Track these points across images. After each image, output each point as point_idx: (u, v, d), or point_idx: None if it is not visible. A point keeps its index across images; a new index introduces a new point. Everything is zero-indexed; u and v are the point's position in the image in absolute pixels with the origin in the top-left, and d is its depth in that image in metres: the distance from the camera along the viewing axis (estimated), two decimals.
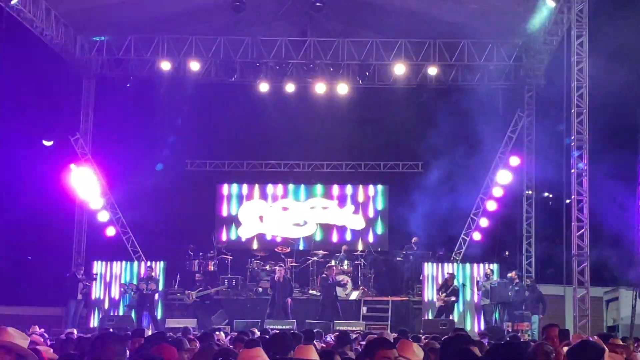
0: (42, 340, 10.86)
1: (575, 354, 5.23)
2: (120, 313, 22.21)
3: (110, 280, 22.96)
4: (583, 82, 18.58)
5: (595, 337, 7.58)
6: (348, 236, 25.33)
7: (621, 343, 8.51)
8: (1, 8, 19.17)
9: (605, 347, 7.05)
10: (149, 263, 22.71)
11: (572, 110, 18.64)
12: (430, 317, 21.32)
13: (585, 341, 6.07)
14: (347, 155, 25.73)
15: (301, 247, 24.99)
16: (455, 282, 21.72)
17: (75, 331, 15.02)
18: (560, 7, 19.81)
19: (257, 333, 13.62)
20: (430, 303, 21.92)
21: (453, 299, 21.36)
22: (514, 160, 23.37)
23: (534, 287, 21.13)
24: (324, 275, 21.61)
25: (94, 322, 22.15)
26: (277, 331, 13.01)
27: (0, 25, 18.94)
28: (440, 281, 21.93)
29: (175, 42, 23.49)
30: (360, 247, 24.70)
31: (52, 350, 7.78)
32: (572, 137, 18.56)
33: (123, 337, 5.51)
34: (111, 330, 15.56)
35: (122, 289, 22.46)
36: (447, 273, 21.86)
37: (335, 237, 25.36)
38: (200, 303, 21.93)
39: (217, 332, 13.21)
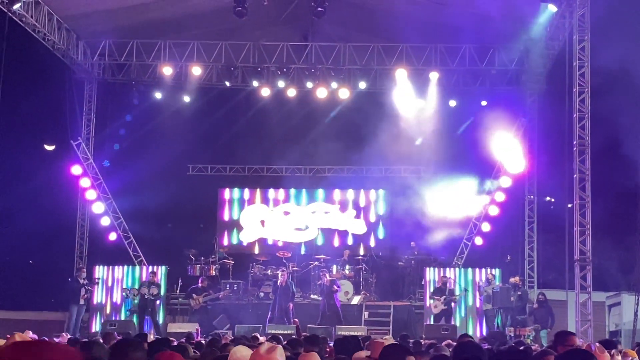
0: None
1: None
2: (122, 317, 22.19)
3: (112, 286, 22.94)
4: (584, 87, 18.56)
5: (597, 344, 7.54)
6: (349, 241, 25.26)
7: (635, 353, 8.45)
8: (3, 13, 19.23)
9: (608, 355, 7.03)
10: (151, 268, 22.66)
11: (574, 115, 18.62)
12: (431, 322, 21.30)
13: (575, 349, 6.02)
14: (349, 159, 25.67)
15: (302, 252, 24.94)
16: (457, 287, 21.79)
17: (67, 335, 14.97)
18: (562, 12, 19.81)
19: (260, 338, 13.60)
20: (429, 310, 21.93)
21: (453, 300, 21.38)
22: (516, 165, 23.31)
23: (543, 301, 21.03)
24: (324, 283, 21.61)
25: (96, 327, 22.11)
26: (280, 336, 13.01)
27: (3, 30, 18.99)
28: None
29: (177, 46, 23.51)
30: (361, 251, 24.64)
31: None
32: (575, 142, 18.53)
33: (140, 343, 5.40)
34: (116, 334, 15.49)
35: (124, 294, 22.44)
36: (443, 276, 21.89)
37: (337, 242, 25.28)
38: (202, 307, 21.93)
39: (225, 337, 13.23)
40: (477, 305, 22.00)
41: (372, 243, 25.29)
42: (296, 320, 18.12)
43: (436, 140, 24.43)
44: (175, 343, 9.96)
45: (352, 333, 18.20)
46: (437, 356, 6.77)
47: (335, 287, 21.37)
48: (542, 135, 23.78)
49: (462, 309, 21.94)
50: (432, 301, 21.66)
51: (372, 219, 25.60)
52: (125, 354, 4.84)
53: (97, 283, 22.52)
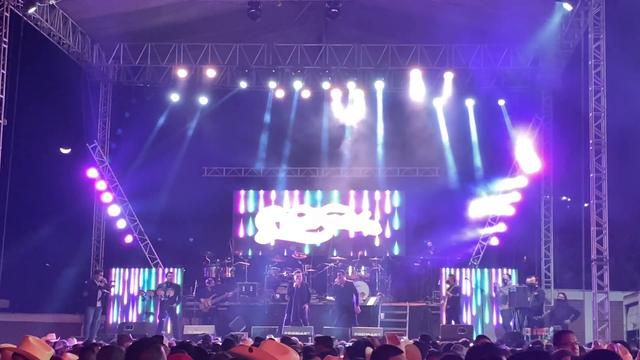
0: (63, 347, 10.88)
1: None
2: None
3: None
4: (600, 86, 18.45)
5: (619, 345, 7.49)
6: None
7: None
8: (19, 17, 19.31)
9: (631, 355, 6.98)
10: (171, 269, 22.60)
11: (590, 114, 18.51)
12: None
13: (600, 350, 5.94)
14: (364, 160, 25.61)
15: (317, 254, 24.85)
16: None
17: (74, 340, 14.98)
18: (577, 11, 19.68)
19: (276, 340, 13.57)
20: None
21: (457, 295, 21.35)
22: (532, 164, 23.20)
23: (563, 300, 20.90)
24: (335, 282, 21.60)
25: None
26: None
27: (18, 34, 19.07)
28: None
29: (192, 49, 23.54)
30: (377, 253, 24.51)
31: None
32: (591, 141, 18.43)
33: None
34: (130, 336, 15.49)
35: (140, 296, 22.48)
36: (448, 275, 21.82)
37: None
38: (215, 309, 21.95)
39: (243, 338, 13.19)
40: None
41: (388, 245, 25.11)
42: None
43: (451, 140, 24.41)
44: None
45: (368, 334, 18.15)
46: (449, 356, 6.60)
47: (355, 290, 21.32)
48: (558, 135, 23.67)
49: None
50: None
51: (387, 220, 25.46)
52: (139, 355, 4.77)
53: (113, 286, 22.58)
